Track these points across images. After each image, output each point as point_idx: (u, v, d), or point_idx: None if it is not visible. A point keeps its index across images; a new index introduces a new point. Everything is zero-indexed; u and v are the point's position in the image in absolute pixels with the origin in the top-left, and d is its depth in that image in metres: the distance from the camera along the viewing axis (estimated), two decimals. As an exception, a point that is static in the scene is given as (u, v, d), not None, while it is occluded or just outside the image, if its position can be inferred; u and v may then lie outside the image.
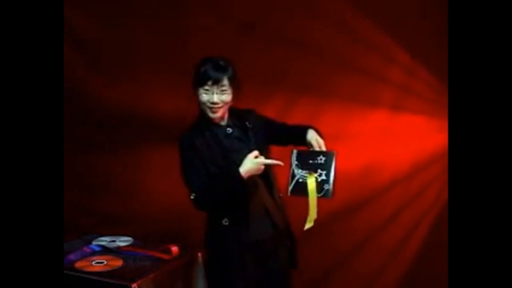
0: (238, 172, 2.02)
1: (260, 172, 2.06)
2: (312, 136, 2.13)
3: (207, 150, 2.10)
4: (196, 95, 2.13)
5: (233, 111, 2.21)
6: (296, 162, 2.07)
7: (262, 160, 2.04)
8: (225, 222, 2.12)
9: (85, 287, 2.08)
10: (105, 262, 2.19)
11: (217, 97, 2.09)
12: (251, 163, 2.03)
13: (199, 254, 2.30)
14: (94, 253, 2.32)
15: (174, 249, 2.27)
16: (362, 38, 3.02)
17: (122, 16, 3.13)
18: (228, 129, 2.18)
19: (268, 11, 3.07)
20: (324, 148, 2.09)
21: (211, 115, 2.12)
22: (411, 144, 3.10)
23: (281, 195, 2.22)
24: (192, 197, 2.06)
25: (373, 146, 3.12)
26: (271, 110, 2.93)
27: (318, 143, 2.10)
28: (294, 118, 2.92)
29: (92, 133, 3.24)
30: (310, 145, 2.12)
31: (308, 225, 2.07)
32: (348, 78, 3.07)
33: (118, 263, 2.19)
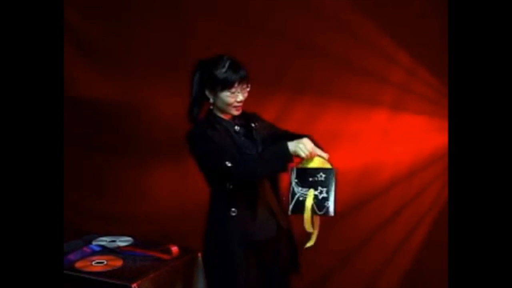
0: (286, 145, 2.02)
1: (305, 157, 2.02)
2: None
3: (219, 140, 2.10)
4: (211, 98, 2.15)
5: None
6: (296, 180, 2.04)
7: (311, 145, 2.03)
8: (233, 212, 2.11)
9: (85, 287, 2.08)
10: (105, 262, 2.19)
11: (241, 95, 2.13)
12: (299, 143, 2.02)
13: (199, 254, 2.30)
14: (94, 253, 2.32)
15: (174, 249, 2.27)
16: (362, 38, 3.02)
17: (122, 16, 3.14)
18: (236, 127, 2.20)
19: (269, 11, 3.07)
20: (319, 152, 2.06)
21: (236, 112, 2.16)
22: (411, 144, 3.10)
23: (283, 198, 2.22)
24: (228, 165, 2.03)
25: (373, 146, 3.12)
26: (271, 110, 2.93)
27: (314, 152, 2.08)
28: (294, 118, 2.94)
29: (92, 133, 3.25)
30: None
31: (309, 244, 2.08)
32: (348, 78, 3.07)
33: (118, 263, 2.19)
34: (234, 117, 2.19)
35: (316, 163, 2.05)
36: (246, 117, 2.23)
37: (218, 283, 2.16)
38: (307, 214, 2.02)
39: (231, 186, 2.10)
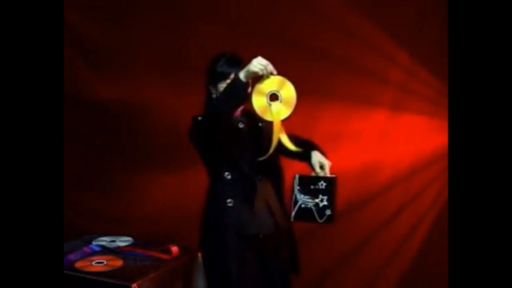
0: (237, 74, 2.02)
1: (261, 72, 1.99)
2: (315, 160, 2.14)
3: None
4: (214, 92, 2.18)
5: (246, 111, 2.25)
6: (298, 187, 2.08)
7: (264, 61, 2.00)
8: (230, 203, 2.14)
9: (85, 287, 2.08)
10: (105, 262, 2.19)
11: None
12: (251, 61, 2.00)
13: (199, 254, 2.30)
14: (94, 253, 2.32)
15: (174, 249, 2.27)
16: (362, 38, 3.02)
17: (122, 16, 3.13)
18: (240, 124, 2.21)
19: (269, 11, 3.07)
20: (327, 169, 2.09)
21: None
22: (411, 144, 3.10)
23: (286, 201, 2.23)
24: (199, 118, 2.09)
25: (373, 146, 3.12)
26: (271, 110, 2.93)
27: (321, 166, 2.11)
28: (294, 118, 2.93)
29: (92, 133, 3.25)
30: (313, 169, 2.14)
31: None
32: (348, 78, 3.07)
33: (118, 263, 2.19)
34: (241, 114, 2.21)
35: (275, 81, 2.03)
36: (253, 116, 2.24)
37: (213, 273, 2.17)
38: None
39: (229, 176, 2.14)
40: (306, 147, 2.19)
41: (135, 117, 3.18)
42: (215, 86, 2.18)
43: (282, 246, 2.24)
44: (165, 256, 2.24)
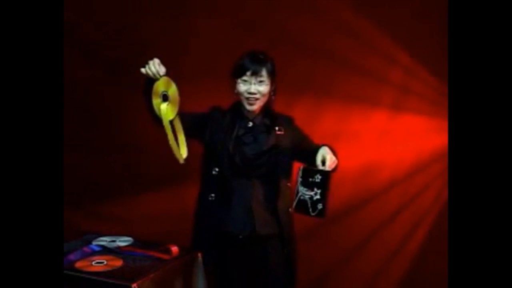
0: None
1: (145, 72, 2.09)
2: (320, 154, 2.08)
3: (214, 123, 2.22)
4: (234, 87, 2.20)
5: (270, 112, 2.26)
6: (300, 179, 2.08)
7: (150, 62, 2.10)
8: (211, 197, 2.20)
9: (85, 287, 2.08)
10: (105, 262, 2.19)
11: (255, 88, 2.15)
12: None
13: (199, 254, 2.31)
14: (94, 253, 2.32)
15: (174, 249, 2.27)
16: (362, 39, 3.02)
17: (122, 16, 3.13)
18: (250, 123, 2.21)
19: (269, 12, 3.07)
20: (328, 163, 2.05)
21: (248, 107, 2.19)
22: (411, 144, 3.10)
23: (290, 209, 2.23)
24: None
25: (373, 146, 3.12)
26: (271, 110, 2.94)
27: (323, 159, 2.05)
28: (294, 118, 2.93)
29: (92, 133, 3.25)
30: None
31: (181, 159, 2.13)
32: (348, 78, 3.08)
33: (118, 263, 2.19)
34: (261, 115, 2.23)
35: (162, 82, 2.09)
36: (275, 119, 2.24)
37: None
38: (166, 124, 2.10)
39: (215, 172, 2.19)
40: (316, 146, 2.17)
41: (136, 117, 3.17)
42: (235, 80, 2.18)
43: (270, 254, 2.24)
44: (165, 256, 2.24)
